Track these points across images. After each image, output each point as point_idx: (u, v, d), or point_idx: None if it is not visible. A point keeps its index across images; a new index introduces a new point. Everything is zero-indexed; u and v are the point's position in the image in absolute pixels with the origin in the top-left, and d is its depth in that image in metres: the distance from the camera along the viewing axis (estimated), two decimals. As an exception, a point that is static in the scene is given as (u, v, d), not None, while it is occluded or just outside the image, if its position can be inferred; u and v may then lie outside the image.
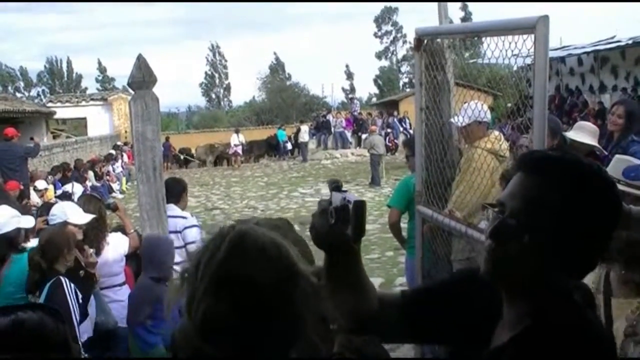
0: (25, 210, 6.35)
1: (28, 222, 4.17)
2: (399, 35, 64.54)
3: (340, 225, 1.34)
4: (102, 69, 66.43)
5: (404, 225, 5.30)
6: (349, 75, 66.74)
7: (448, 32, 3.99)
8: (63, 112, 28.42)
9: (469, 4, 58.90)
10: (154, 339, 4.02)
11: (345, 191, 1.38)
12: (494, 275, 1.28)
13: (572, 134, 4.95)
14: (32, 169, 14.17)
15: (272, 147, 29.88)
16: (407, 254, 5.33)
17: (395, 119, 29.36)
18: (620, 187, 2.76)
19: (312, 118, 33.89)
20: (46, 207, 5.88)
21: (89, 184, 16.41)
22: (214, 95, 67.59)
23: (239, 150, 27.49)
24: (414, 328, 1.55)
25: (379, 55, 65.25)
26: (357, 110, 32.25)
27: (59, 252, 3.69)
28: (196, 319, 1.13)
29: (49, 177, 14.66)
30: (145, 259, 4.22)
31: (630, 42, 17.58)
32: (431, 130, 4.02)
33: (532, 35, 2.72)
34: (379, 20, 65.03)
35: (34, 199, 11.54)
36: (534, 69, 2.76)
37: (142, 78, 4.43)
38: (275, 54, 65.27)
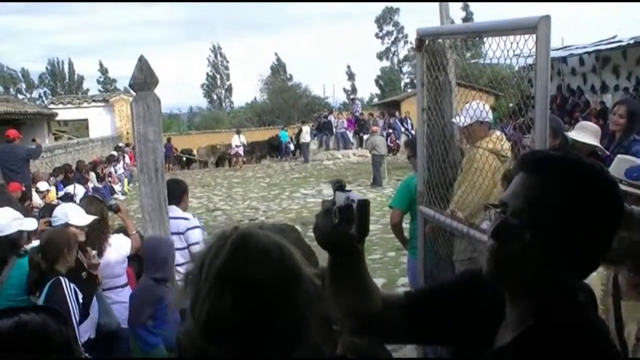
0: (27, 211, 6.36)
1: (30, 224, 4.18)
2: (400, 35, 64.55)
3: (344, 225, 1.34)
4: (103, 71, 66.52)
5: (405, 225, 5.30)
6: (351, 76, 66.75)
7: (449, 32, 3.99)
8: (65, 113, 28.42)
9: (470, 4, 58.94)
10: (155, 339, 4.03)
11: (349, 191, 1.38)
12: (496, 276, 1.28)
13: (574, 134, 4.94)
14: (34, 171, 14.20)
15: (273, 148, 29.90)
16: (409, 255, 5.33)
17: (396, 120, 29.36)
18: (622, 187, 2.75)
19: (314, 119, 33.91)
20: (48, 208, 5.89)
21: (90, 185, 16.42)
22: (215, 96, 67.61)
23: (240, 151, 27.52)
24: (417, 329, 1.54)
25: (380, 56, 65.26)
26: (358, 110, 32.26)
27: (59, 252, 3.69)
28: (200, 320, 1.13)
29: (51, 178, 14.69)
30: (147, 260, 4.22)
31: (631, 42, 17.62)
32: (433, 130, 4.02)
33: (534, 35, 2.72)
34: (380, 21, 65.03)
35: (36, 200, 11.57)
36: (536, 69, 2.76)
37: (144, 79, 4.44)
38: (276, 54, 65.36)
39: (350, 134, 28.79)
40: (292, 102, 50.36)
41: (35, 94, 63.11)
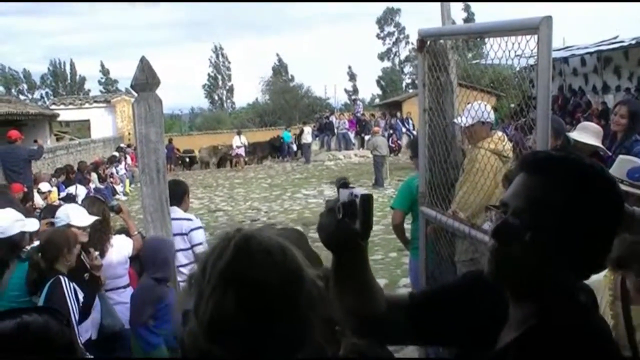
0: (28, 212, 6.37)
1: (32, 225, 4.18)
2: (401, 36, 64.60)
3: (348, 220, 1.34)
4: (105, 71, 66.67)
5: (407, 226, 5.30)
6: (352, 77, 66.84)
7: (451, 33, 3.99)
8: (66, 114, 28.44)
9: (471, 4, 58.95)
10: (156, 339, 4.03)
11: (353, 187, 1.38)
12: (497, 276, 1.28)
13: (576, 135, 4.93)
14: (36, 172, 14.22)
15: (275, 149, 29.91)
16: (410, 255, 5.33)
17: (398, 120, 29.37)
18: (624, 187, 2.75)
19: (315, 119, 33.90)
20: (49, 209, 5.89)
21: (92, 186, 16.43)
22: (217, 97, 67.68)
23: (241, 151, 27.53)
24: (421, 330, 1.55)
25: (381, 57, 65.32)
26: (360, 111, 32.27)
27: (59, 251, 3.70)
28: (204, 321, 1.14)
29: (53, 179, 14.71)
30: (147, 260, 4.22)
31: (633, 42, 17.60)
32: (434, 131, 4.02)
33: (535, 36, 2.72)
34: (382, 22, 65.08)
35: (38, 201, 11.59)
36: (537, 70, 2.76)
37: (145, 80, 4.43)
38: (278, 55, 65.45)
39: (351, 135, 28.79)
40: (294, 103, 50.37)
41: (37, 95, 63.40)
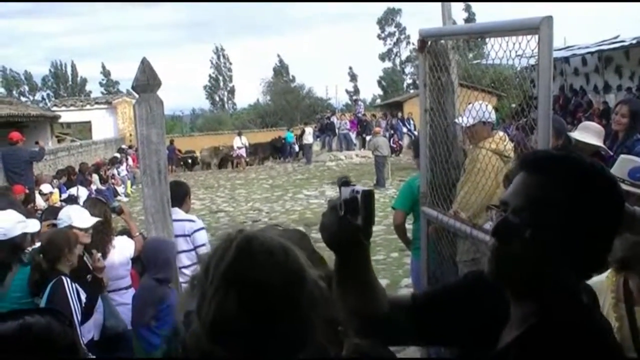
0: (30, 214, 6.37)
1: (34, 226, 4.19)
2: (402, 36, 64.58)
3: (350, 217, 1.35)
4: (106, 73, 66.78)
5: (409, 226, 5.30)
6: (353, 77, 66.82)
7: (452, 33, 3.99)
8: (68, 115, 28.48)
9: (472, 4, 58.93)
10: (158, 340, 4.03)
11: (354, 185, 1.39)
12: (497, 275, 1.28)
13: (577, 134, 4.92)
14: (37, 173, 14.23)
15: (276, 150, 29.91)
16: (412, 256, 5.32)
17: (399, 121, 29.37)
18: (625, 187, 2.75)
19: (317, 120, 33.92)
20: (51, 210, 5.90)
21: (93, 187, 16.45)
22: (218, 98, 67.71)
23: (242, 152, 27.52)
24: (423, 331, 1.55)
25: (382, 57, 65.30)
26: (361, 111, 32.29)
27: (60, 252, 3.70)
28: (206, 322, 1.14)
29: (54, 180, 14.71)
30: (149, 261, 4.22)
31: (634, 42, 17.58)
32: (436, 131, 4.02)
33: (536, 36, 2.72)
34: (382, 22, 65.06)
35: (40, 202, 11.59)
36: (538, 69, 2.76)
37: (147, 81, 4.44)
38: (279, 56, 65.47)
39: (352, 135, 28.80)
40: (295, 104, 50.37)
41: (38, 97, 63.54)
